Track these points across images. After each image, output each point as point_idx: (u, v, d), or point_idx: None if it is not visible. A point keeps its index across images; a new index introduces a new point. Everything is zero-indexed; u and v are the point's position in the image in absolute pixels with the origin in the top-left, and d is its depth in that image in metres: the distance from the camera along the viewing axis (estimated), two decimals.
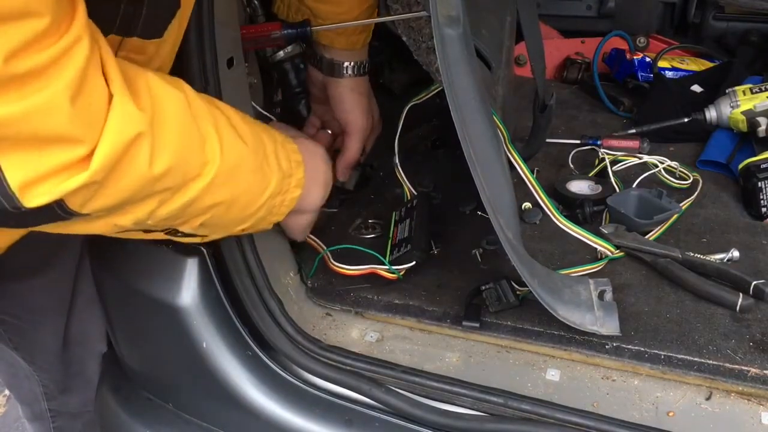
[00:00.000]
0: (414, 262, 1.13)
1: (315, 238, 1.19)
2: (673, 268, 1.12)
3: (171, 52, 0.88)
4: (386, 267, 1.12)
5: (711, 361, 0.96)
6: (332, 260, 1.14)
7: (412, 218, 1.21)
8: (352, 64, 1.29)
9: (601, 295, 1.03)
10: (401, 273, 1.13)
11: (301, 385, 1.04)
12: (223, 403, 1.06)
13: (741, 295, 1.05)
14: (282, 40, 1.22)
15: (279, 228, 1.09)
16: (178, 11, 0.82)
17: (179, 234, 0.88)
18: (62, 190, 0.65)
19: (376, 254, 1.14)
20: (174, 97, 0.76)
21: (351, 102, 1.30)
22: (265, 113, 1.27)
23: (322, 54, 1.29)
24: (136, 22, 0.77)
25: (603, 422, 0.90)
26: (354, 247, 1.16)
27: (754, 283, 1.06)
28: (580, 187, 1.37)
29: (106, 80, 0.67)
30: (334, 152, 1.35)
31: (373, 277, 1.13)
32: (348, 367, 1.00)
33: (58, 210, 0.67)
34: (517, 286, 1.06)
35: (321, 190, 1.03)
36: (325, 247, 1.18)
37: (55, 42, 0.60)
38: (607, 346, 1.00)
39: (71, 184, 0.65)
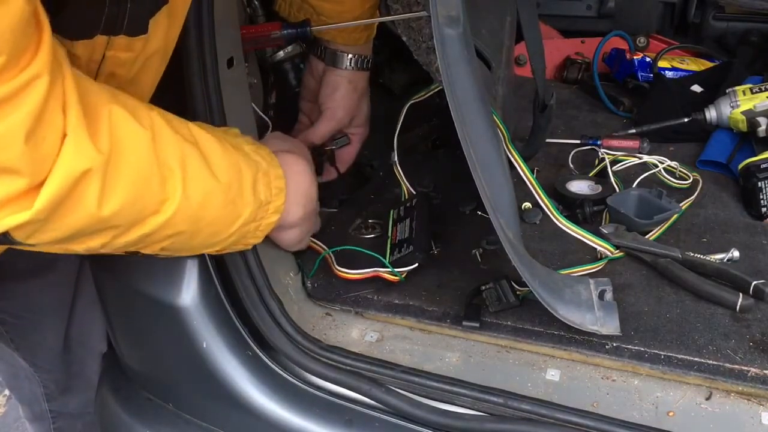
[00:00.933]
0: (416, 264, 1.13)
1: (315, 240, 1.19)
2: (673, 268, 1.12)
3: (162, 49, 0.87)
4: (389, 270, 1.12)
5: (711, 361, 0.96)
6: (335, 264, 1.14)
7: (412, 218, 1.21)
8: (354, 56, 1.30)
9: (601, 295, 1.03)
10: (403, 275, 1.13)
11: (301, 385, 1.04)
12: (223, 403, 1.06)
13: (741, 295, 1.05)
14: (282, 40, 1.22)
15: None
16: (165, 7, 0.82)
17: (140, 254, 0.87)
18: (5, 225, 0.65)
19: (380, 257, 1.14)
20: (136, 136, 0.74)
21: (342, 93, 1.32)
22: (264, 117, 1.27)
23: (326, 45, 1.30)
24: (121, 21, 0.77)
25: (603, 422, 0.90)
26: (356, 248, 1.16)
27: (754, 283, 1.06)
28: (580, 187, 1.37)
29: (65, 116, 0.66)
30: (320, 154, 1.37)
31: (374, 279, 1.13)
32: (348, 367, 1.00)
33: (3, 238, 0.68)
34: (517, 286, 1.06)
35: (300, 210, 1.00)
36: (326, 248, 1.17)
37: (13, 77, 0.60)
38: (607, 346, 1.00)
39: (13, 221, 0.65)
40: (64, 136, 0.65)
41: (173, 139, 0.78)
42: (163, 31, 0.85)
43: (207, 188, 0.81)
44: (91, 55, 0.79)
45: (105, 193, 0.70)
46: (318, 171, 1.37)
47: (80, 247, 0.76)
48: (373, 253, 1.15)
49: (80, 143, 0.67)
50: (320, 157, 1.37)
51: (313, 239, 1.18)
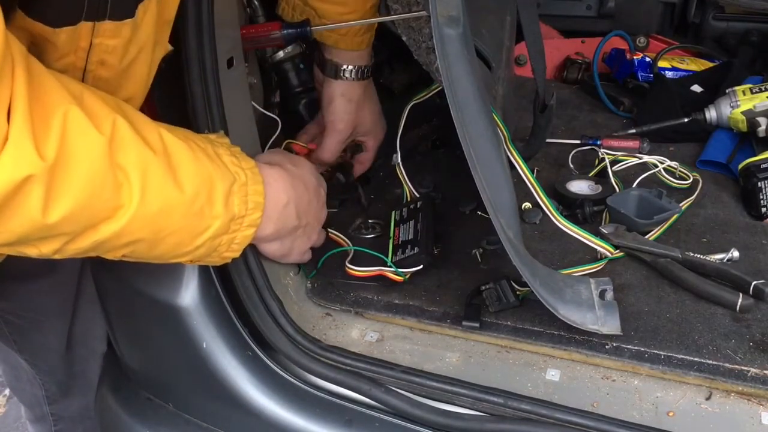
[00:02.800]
0: (421, 266, 1.13)
1: (339, 234, 1.22)
2: (673, 268, 1.12)
3: (153, 37, 0.85)
4: (394, 269, 1.12)
5: (711, 361, 0.96)
6: (348, 260, 1.15)
7: (417, 220, 1.21)
8: (353, 68, 1.29)
9: (601, 295, 1.03)
10: (407, 276, 1.13)
11: (301, 385, 1.04)
12: (223, 403, 1.06)
13: (741, 295, 1.05)
14: (282, 41, 1.22)
15: None
16: None
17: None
18: None
19: (386, 258, 1.14)
20: (90, 141, 0.71)
21: (337, 106, 1.31)
22: (273, 116, 1.27)
23: (325, 56, 1.30)
24: (104, 6, 0.76)
25: (603, 422, 0.90)
26: (364, 249, 1.17)
27: (754, 283, 1.06)
28: (580, 187, 1.37)
29: (8, 120, 0.65)
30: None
31: (376, 278, 1.13)
32: (348, 367, 1.00)
33: None
34: (517, 286, 1.06)
35: (275, 225, 0.97)
36: (350, 243, 1.19)
37: None
38: (607, 346, 1.00)
39: None
40: (6, 141, 0.64)
41: (135, 145, 0.76)
42: (153, 18, 0.83)
43: (168, 197, 0.79)
44: (78, 43, 0.78)
45: (50, 200, 0.69)
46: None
47: (33, 251, 0.75)
48: (378, 254, 1.15)
49: (21, 149, 0.65)
50: (341, 168, 1.39)
51: (336, 233, 1.21)
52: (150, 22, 0.83)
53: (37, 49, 0.78)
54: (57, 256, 0.78)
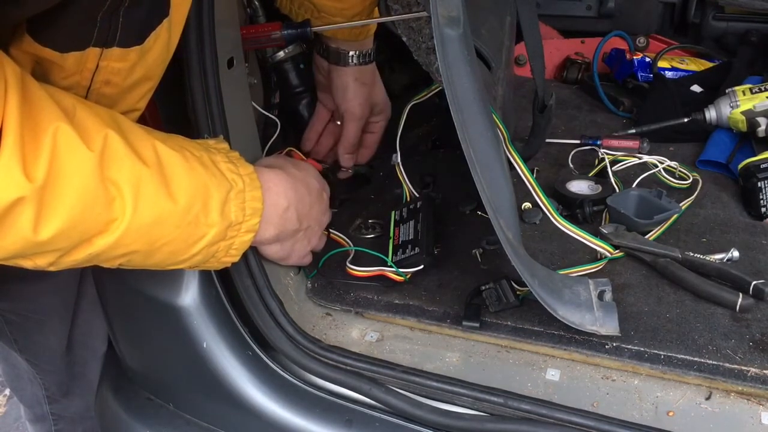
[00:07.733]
0: (422, 266, 1.13)
1: (340, 234, 1.22)
2: (673, 268, 1.12)
3: (160, 59, 0.86)
4: (394, 269, 1.12)
5: (711, 361, 0.96)
6: (348, 260, 1.15)
7: (417, 220, 1.21)
8: (357, 53, 1.31)
9: (600, 296, 1.03)
10: (408, 276, 1.13)
11: (302, 385, 1.04)
12: (224, 403, 1.06)
13: (741, 295, 1.05)
14: (282, 41, 1.22)
15: None
16: (166, 20, 0.81)
17: None
18: None
19: (386, 258, 1.14)
20: (80, 159, 0.72)
21: (353, 92, 1.33)
22: (271, 116, 1.27)
23: (327, 43, 1.31)
24: (114, 34, 0.77)
25: (603, 422, 0.90)
26: (364, 249, 1.17)
27: (754, 283, 1.06)
28: (580, 187, 1.37)
29: (0, 141, 0.65)
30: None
31: (376, 278, 1.13)
32: (348, 367, 1.00)
33: None
34: (517, 286, 1.06)
35: (276, 229, 0.98)
36: (351, 244, 1.19)
37: None
38: (607, 346, 1.00)
39: None
40: None
41: (127, 159, 0.76)
42: (164, 43, 0.84)
43: (161, 209, 0.79)
44: (85, 65, 0.79)
45: (41, 218, 0.69)
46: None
47: (28, 264, 0.76)
48: (378, 254, 1.15)
49: (10, 173, 0.66)
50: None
51: (337, 233, 1.21)
52: (159, 47, 0.84)
53: (42, 68, 0.79)
54: (52, 268, 0.78)
